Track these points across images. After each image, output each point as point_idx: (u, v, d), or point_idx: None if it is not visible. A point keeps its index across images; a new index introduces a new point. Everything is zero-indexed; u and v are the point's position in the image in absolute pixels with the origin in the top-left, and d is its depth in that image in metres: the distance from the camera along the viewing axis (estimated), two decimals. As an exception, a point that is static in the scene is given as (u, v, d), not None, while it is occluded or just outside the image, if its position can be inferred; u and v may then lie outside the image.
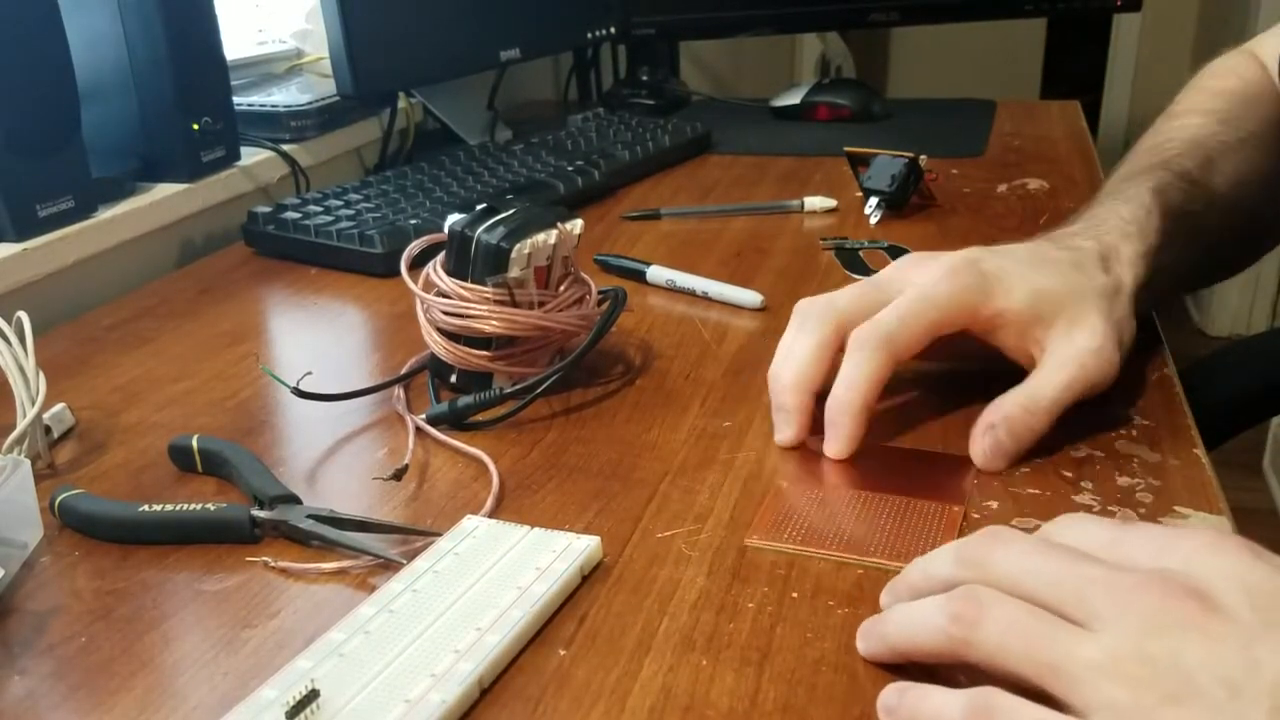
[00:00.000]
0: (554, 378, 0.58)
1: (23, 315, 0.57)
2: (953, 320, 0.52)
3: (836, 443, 0.52)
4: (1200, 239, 0.62)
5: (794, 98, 1.31)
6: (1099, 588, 0.34)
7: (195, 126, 0.91)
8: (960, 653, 0.35)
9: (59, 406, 0.59)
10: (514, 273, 0.58)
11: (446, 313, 0.59)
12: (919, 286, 0.52)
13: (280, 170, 1.02)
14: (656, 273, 0.77)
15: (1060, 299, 0.52)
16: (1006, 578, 0.36)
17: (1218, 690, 0.31)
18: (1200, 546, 0.34)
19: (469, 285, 0.58)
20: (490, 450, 0.54)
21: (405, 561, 0.45)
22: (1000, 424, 0.50)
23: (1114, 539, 0.37)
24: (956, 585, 0.37)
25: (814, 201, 0.93)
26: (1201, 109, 0.71)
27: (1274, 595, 0.32)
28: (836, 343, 0.53)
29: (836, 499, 0.49)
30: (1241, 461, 2.24)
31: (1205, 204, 0.63)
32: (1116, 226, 0.58)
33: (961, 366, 0.57)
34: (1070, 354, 0.51)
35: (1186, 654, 0.31)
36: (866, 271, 0.77)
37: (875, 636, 0.39)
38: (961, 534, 0.46)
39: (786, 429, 0.53)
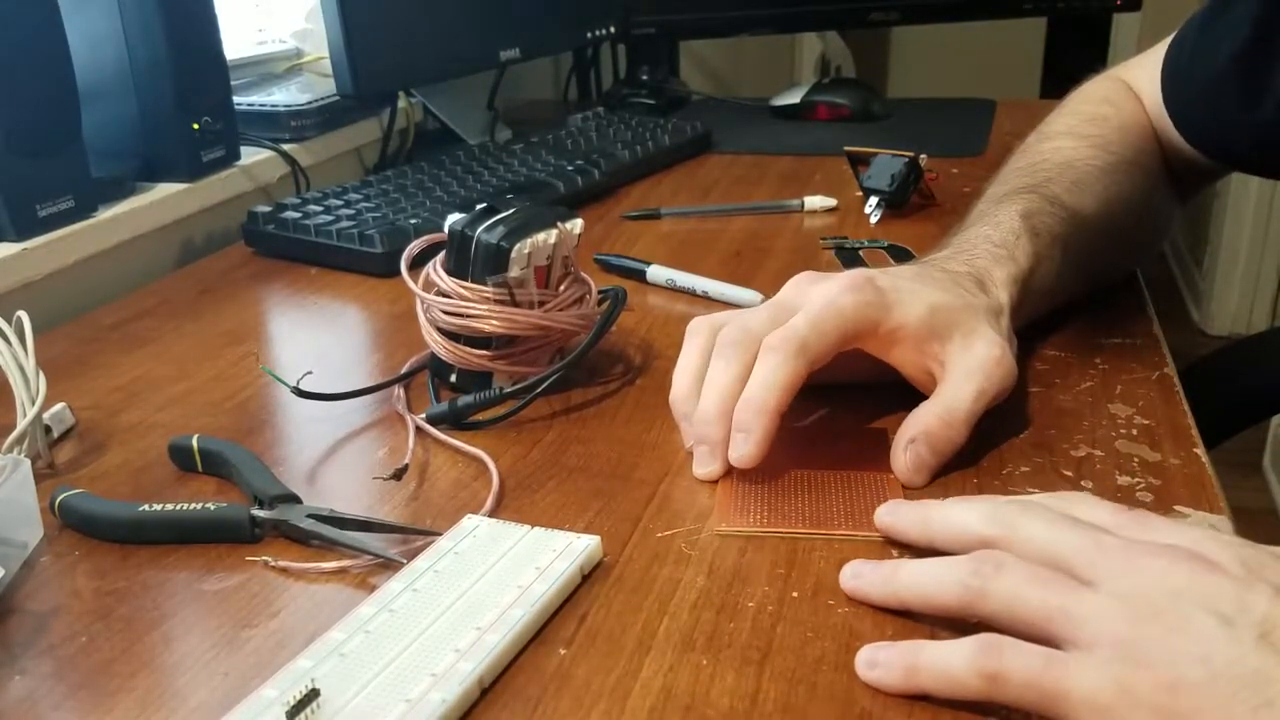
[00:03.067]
0: (554, 377, 0.58)
1: (23, 315, 0.57)
2: (857, 333, 0.52)
3: (747, 446, 0.49)
4: (1069, 260, 0.63)
5: (794, 97, 1.31)
6: (1113, 554, 0.38)
7: (195, 126, 0.91)
8: (974, 604, 0.38)
9: (59, 406, 0.59)
10: (514, 272, 0.58)
11: (446, 312, 0.59)
12: (823, 298, 0.52)
13: (280, 170, 1.02)
14: (656, 272, 0.77)
15: (954, 314, 0.53)
16: (1031, 540, 0.39)
17: (1212, 622, 0.34)
18: (1201, 532, 0.39)
19: (469, 285, 0.58)
20: (490, 450, 0.54)
21: (405, 561, 0.45)
22: (920, 439, 0.50)
23: (1121, 523, 0.40)
24: (981, 539, 0.41)
25: (814, 201, 0.93)
26: (1075, 132, 0.73)
27: (1264, 562, 0.37)
28: None
29: (782, 480, 0.51)
30: (1241, 461, 2.24)
31: (1073, 226, 0.64)
32: (987, 251, 0.60)
33: (852, 382, 0.57)
34: (974, 364, 0.52)
35: (1185, 596, 0.35)
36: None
37: (879, 582, 0.42)
38: (905, 499, 0.48)
39: (714, 462, 0.51)
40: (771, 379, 0.49)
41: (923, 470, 0.50)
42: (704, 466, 0.51)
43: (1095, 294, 0.69)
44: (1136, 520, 0.40)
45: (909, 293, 0.53)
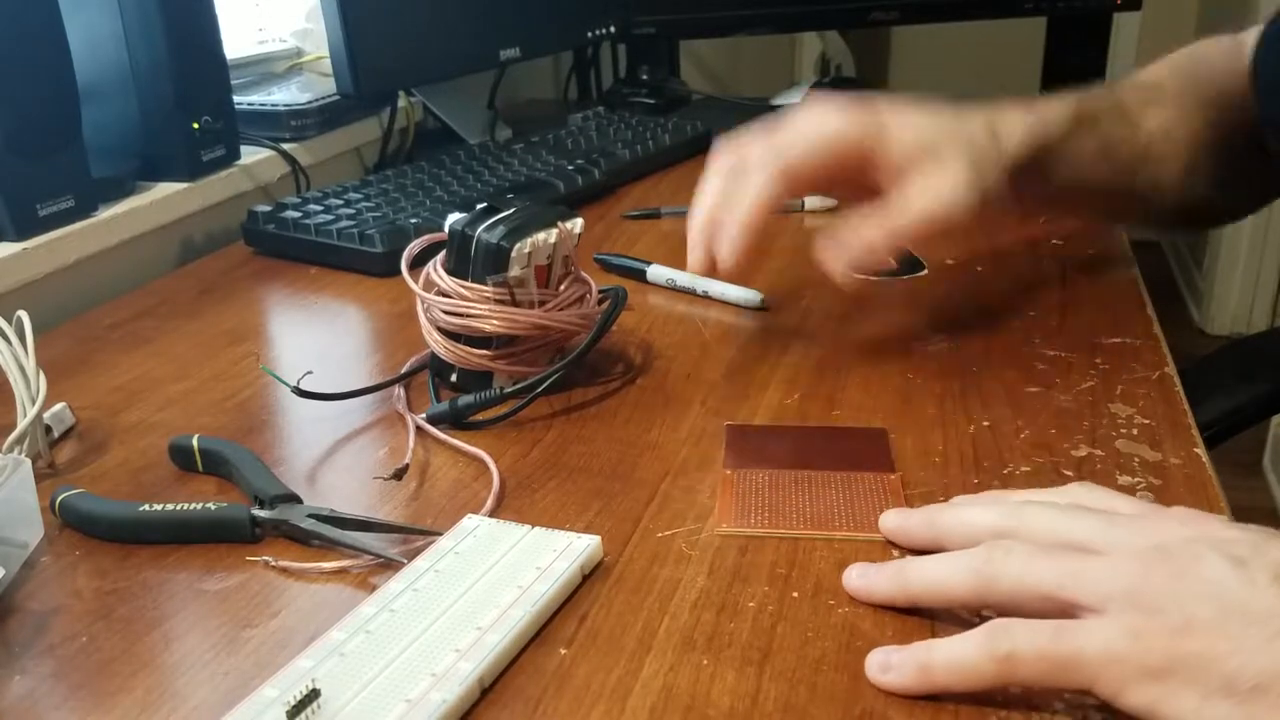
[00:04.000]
0: (554, 377, 0.58)
1: (23, 315, 0.57)
2: (845, 152, 0.55)
3: (723, 252, 0.57)
4: (1119, 168, 0.63)
5: (794, 97, 1.31)
6: (1123, 525, 0.38)
7: (195, 126, 0.91)
8: (986, 591, 0.38)
9: (59, 406, 0.59)
10: (514, 272, 0.58)
11: (447, 312, 0.59)
12: (816, 117, 0.56)
13: (280, 169, 1.02)
14: (657, 272, 0.77)
15: (938, 143, 0.56)
16: (1041, 528, 0.40)
17: (1224, 564, 0.34)
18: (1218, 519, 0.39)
19: (469, 284, 0.58)
20: (490, 449, 0.54)
21: (406, 561, 0.45)
22: (851, 238, 0.55)
23: (1138, 509, 0.41)
24: (992, 533, 0.40)
25: (814, 201, 0.93)
26: (1165, 60, 0.72)
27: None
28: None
29: (781, 480, 0.51)
30: (1241, 461, 2.24)
31: (1130, 130, 0.64)
32: (1017, 105, 0.61)
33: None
34: (930, 188, 0.55)
35: (1197, 541, 0.35)
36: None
37: (888, 579, 0.41)
38: (906, 499, 0.49)
39: (697, 253, 0.59)
40: (750, 196, 0.56)
41: (841, 260, 0.54)
42: (691, 261, 0.59)
43: (1096, 293, 0.68)
44: (1150, 508, 0.41)
45: (904, 123, 0.56)
